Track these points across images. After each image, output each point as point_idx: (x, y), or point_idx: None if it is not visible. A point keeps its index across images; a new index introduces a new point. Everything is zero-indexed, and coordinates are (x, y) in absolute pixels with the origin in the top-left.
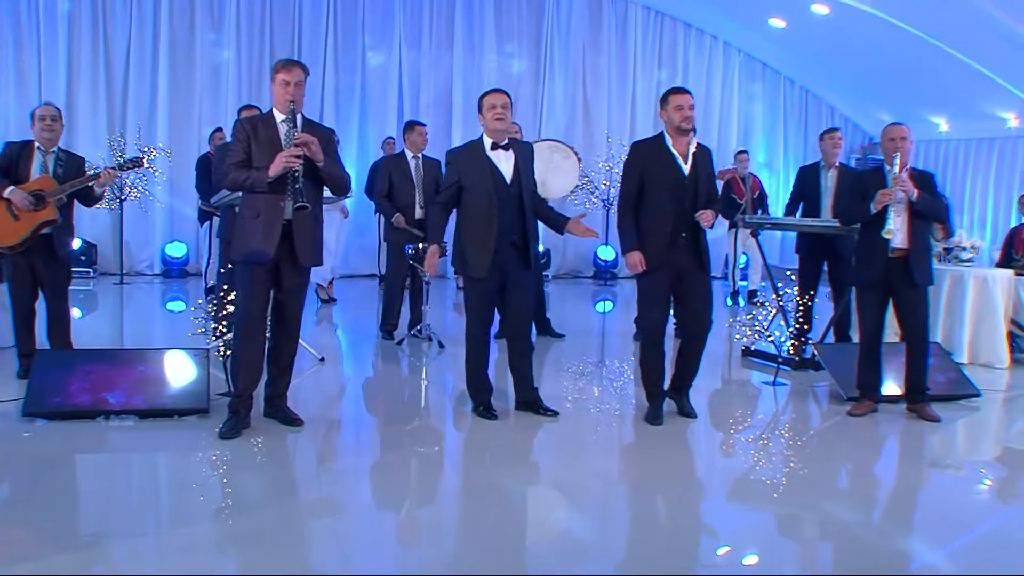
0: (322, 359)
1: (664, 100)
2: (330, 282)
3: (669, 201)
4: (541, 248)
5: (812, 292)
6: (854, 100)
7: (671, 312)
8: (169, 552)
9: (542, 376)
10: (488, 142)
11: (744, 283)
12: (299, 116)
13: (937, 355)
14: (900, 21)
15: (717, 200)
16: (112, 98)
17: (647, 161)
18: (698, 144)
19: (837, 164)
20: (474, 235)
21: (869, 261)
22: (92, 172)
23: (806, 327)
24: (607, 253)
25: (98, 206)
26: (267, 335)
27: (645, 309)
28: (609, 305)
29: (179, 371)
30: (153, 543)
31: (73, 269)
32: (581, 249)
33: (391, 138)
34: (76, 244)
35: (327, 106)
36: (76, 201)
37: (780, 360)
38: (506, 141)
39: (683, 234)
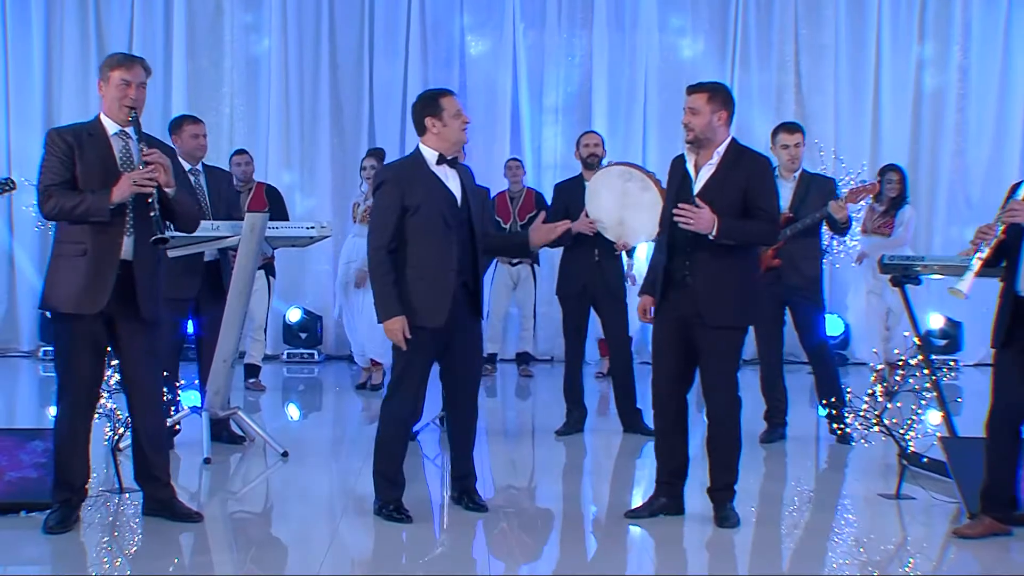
0: (285, 453)
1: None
2: (376, 364)
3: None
4: None
5: None
6: None
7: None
8: None
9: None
10: (433, 155)
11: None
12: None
13: None
14: None
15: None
16: None
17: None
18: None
19: None
20: (424, 270)
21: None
22: None
23: None
24: (834, 326)
25: None
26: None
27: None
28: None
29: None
30: None
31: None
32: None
33: (516, 159)
34: None
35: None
36: None
37: (906, 460)
38: (453, 157)
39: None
